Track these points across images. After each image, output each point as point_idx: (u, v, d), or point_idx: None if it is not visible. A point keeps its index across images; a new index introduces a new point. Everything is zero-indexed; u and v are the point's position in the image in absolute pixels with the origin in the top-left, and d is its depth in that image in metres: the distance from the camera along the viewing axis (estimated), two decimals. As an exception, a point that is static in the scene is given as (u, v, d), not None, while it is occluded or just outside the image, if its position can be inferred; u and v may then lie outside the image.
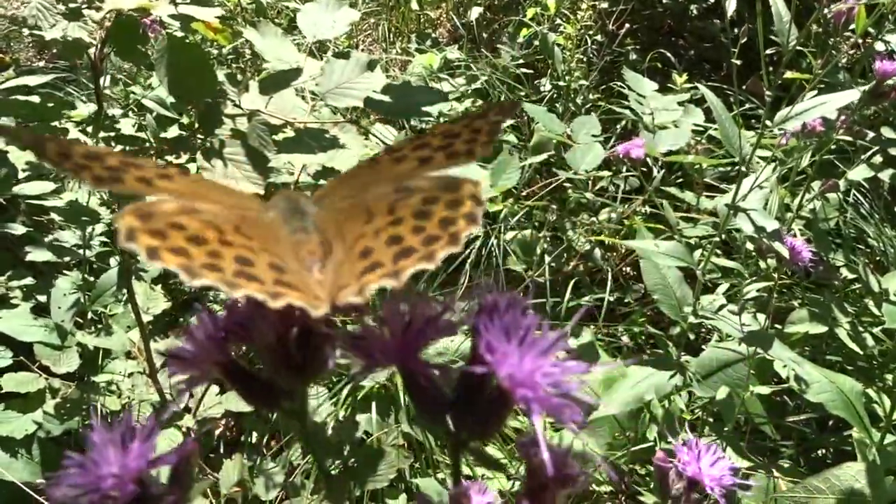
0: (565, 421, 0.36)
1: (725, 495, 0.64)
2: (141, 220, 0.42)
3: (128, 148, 1.02)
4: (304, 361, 0.44)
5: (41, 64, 3.28)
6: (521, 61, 2.91)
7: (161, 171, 0.49)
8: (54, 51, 3.17)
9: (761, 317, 1.38)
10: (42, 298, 1.74)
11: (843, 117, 1.33)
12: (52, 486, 0.40)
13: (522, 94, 2.81)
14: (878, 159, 1.86)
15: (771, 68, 1.07)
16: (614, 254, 2.31)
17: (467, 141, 0.49)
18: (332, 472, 1.50)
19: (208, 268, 0.40)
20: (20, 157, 0.93)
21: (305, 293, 0.40)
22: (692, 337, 1.87)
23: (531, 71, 2.94)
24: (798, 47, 1.11)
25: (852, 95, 0.99)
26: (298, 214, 0.49)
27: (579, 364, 0.37)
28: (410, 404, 0.43)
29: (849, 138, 1.41)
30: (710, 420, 1.63)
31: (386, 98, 1.06)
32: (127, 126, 1.47)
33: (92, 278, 1.78)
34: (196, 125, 1.14)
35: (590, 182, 2.29)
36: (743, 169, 1.04)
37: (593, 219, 2.24)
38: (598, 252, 2.19)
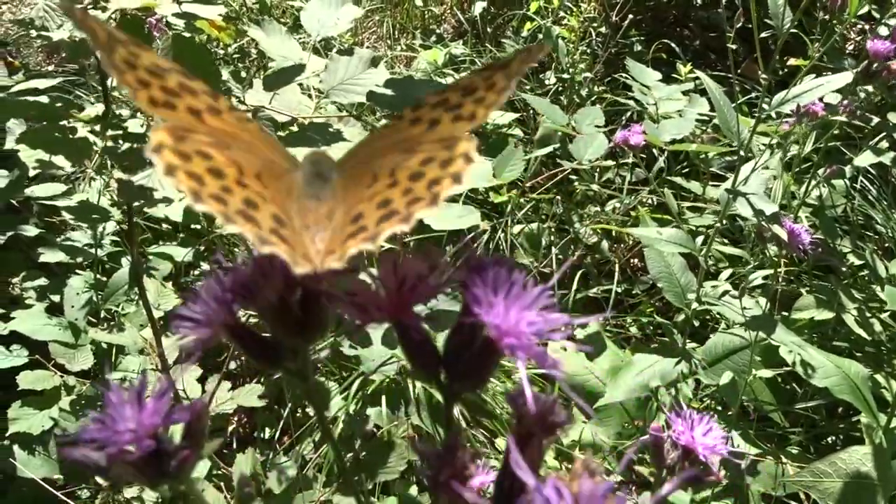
0: (547, 367, 0.38)
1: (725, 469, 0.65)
2: (173, 139, 0.44)
3: (135, 146, 1.04)
4: (305, 320, 0.45)
5: (50, 68, 3.31)
6: (525, 55, 2.90)
7: (213, 103, 0.50)
8: (63, 55, 3.20)
9: (764, 302, 1.38)
10: (56, 298, 1.77)
11: (845, 101, 1.32)
12: (71, 440, 0.41)
13: (527, 87, 2.81)
14: (884, 145, 1.85)
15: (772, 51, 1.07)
16: (621, 245, 2.31)
17: (477, 101, 0.48)
18: (346, 466, 1.52)
19: (214, 198, 0.42)
20: (31, 156, 0.95)
21: (295, 249, 0.42)
22: (698, 324, 1.87)
23: (536, 64, 2.94)
24: (801, 33, 1.11)
25: (846, 78, 0.99)
26: (319, 179, 0.50)
27: (561, 315, 0.39)
28: (405, 359, 0.46)
29: (853, 123, 1.41)
30: (719, 408, 1.63)
31: (388, 91, 1.07)
32: (135, 125, 1.49)
33: (104, 277, 1.80)
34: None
35: (596, 174, 2.29)
36: (742, 153, 1.04)
37: (598, 210, 2.24)
38: (605, 244, 2.19)
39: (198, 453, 0.45)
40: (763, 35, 1.02)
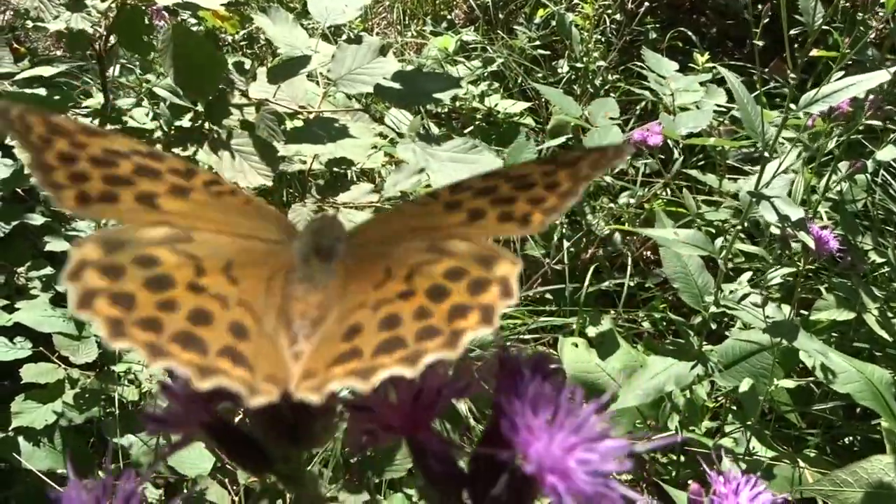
0: None
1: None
2: (104, 250, 0.36)
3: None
4: (298, 430, 0.38)
5: (59, 52, 3.29)
6: (537, 43, 2.86)
7: (180, 181, 0.41)
8: (71, 39, 3.17)
9: (786, 307, 1.34)
10: (61, 289, 1.75)
11: (871, 97, 1.28)
12: None
13: (539, 75, 2.77)
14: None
15: (797, 46, 1.03)
16: (634, 238, 2.27)
17: (532, 200, 0.39)
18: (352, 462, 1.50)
19: (143, 324, 0.34)
20: (26, 154, 0.92)
21: (253, 372, 0.34)
22: (714, 327, 1.84)
23: (548, 52, 2.89)
24: (824, 26, 1.06)
25: (882, 77, 0.94)
26: (321, 254, 0.41)
27: (617, 443, 0.32)
28: (422, 480, 0.38)
29: (877, 123, 1.36)
30: (734, 408, 1.60)
31: (396, 85, 1.03)
32: (140, 115, 1.46)
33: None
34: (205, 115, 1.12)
35: (609, 165, 2.25)
36: (766, 154, 1.00)
37: (612, 204, 2.20)
38: (617, 236, 2.15)
39: None
40: (792, 32, 0.97)
